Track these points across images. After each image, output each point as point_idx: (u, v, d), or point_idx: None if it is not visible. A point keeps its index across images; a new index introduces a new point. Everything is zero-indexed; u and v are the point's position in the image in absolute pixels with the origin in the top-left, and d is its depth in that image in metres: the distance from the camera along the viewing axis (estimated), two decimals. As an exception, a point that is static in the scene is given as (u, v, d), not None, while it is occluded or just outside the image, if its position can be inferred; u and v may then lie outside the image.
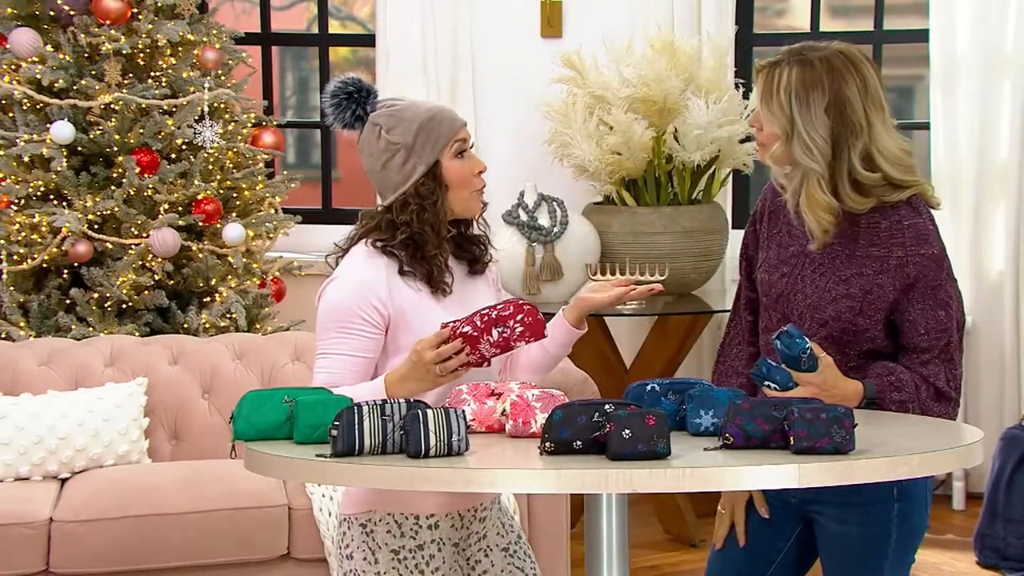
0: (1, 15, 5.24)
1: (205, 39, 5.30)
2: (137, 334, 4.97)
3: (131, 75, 5.20)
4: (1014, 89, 5.79)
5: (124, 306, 5.06)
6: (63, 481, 4.33)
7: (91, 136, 5.10)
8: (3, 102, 5.19)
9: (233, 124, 5.34)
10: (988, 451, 5.07)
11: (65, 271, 5.13)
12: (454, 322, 2.64)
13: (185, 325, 5.08)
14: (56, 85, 5.08)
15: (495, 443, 2.53)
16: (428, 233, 2.75)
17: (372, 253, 2.78)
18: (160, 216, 5.06)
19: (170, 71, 5.23)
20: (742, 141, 5.58)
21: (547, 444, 2.38)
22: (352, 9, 7.46)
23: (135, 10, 5.20)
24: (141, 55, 5.21)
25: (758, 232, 2.98)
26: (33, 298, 5.09)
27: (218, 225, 5.22)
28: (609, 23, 5.88)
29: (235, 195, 5.38)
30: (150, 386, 4.56)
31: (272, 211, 5.42)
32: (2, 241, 5.05)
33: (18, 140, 5.07)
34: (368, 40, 6.35)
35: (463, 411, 2.43)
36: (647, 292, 2.83)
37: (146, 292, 5.08)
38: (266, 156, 5.54)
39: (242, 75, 5.69)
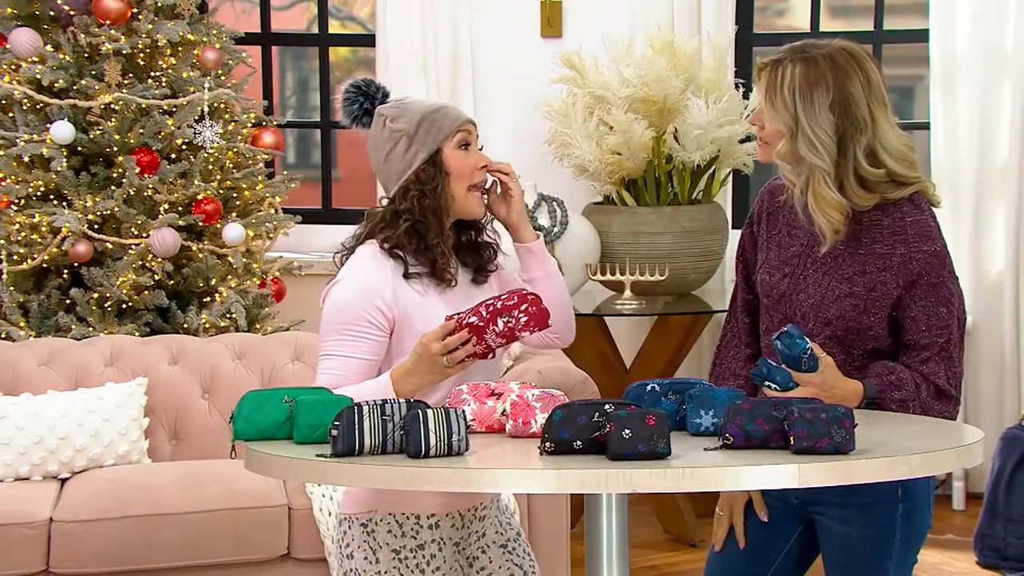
0: (1, 15, 5.24)
1: (205, 39, 5.30)
2: (137, 334, 4.97)
3: (131, 75, 5.20)
4: (1014, 89, 5.80)
5: (124, 306, 5.06)
6: (63, 481, 4.33)
7: (91, 136, 5.10)
8: (3, 102, 5.19)
9: (233, 124, 5.34)
10: (988, 451, 5.07)
11: (65, 271, 5.13)
12: (459, 314, 2.64)
13: (185, 325, 5.08)
14: (56, 85, 5.08)
15: (495, 443, 2.53)
16: (430, 220, 2.75)
17: (378, 255, 2.78)
18: (160, 216, 5.06)
19: (170, 71, 5.23)
20: (742, 141, 5.58)
21: (547, 444, 2.38)
22: (352, 9, 7.47)
23: (135, 10, 5.20)
24: (141, 55, 5.21)
25: (755, 234, 2.97)
26: (33, 298, 5.09)
27: (218, 225, 5.22)
28: (609, 23, 5.88)
29: (235, 195, 5.38)
30: (150, 386, 4.57)
31: (272, 211, 5.42)
32: (2, 241, 5.05)
33: (18, 140, 5.07)
34: (368, 40, 6.35)
35: (463, 411, 2.43)
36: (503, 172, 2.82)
37: (146, 292, 5.08)
38: (266, 156, 5.54)
39: (242, 75, 5.69)
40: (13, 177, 5.08)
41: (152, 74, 5.23)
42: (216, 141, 5.18)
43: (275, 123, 5.69)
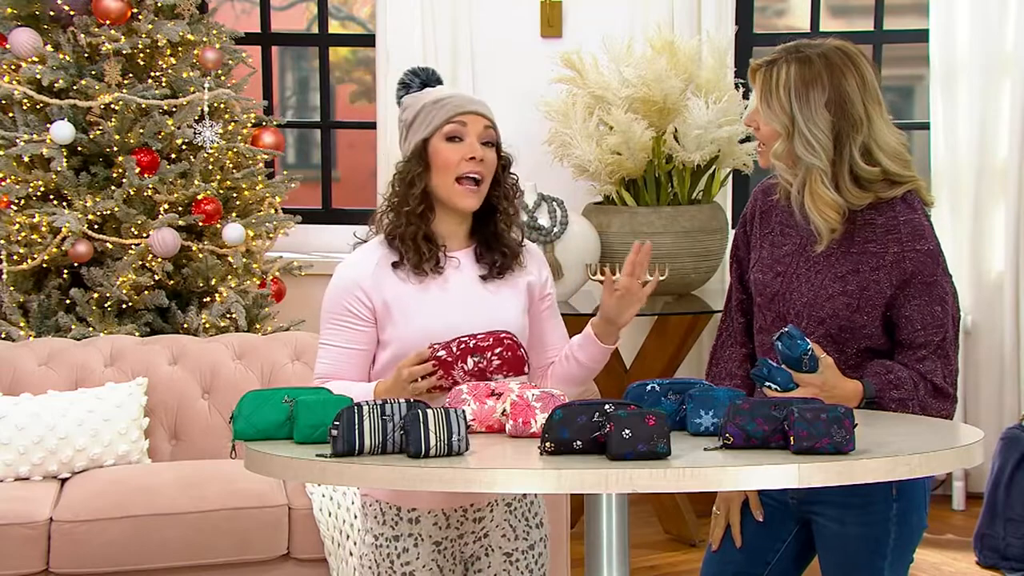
0: (1, 15, 5.24)
1: (205, 39, 5.30)
2: (137, 334, 4.97)
3: (131, 75, 5.20)
4: (1014, 89, 5.79)
5: (124, 306, 5.06)
6: (63, 481, 4.33)
7: (91, 136, 5.10)
8: (3, 102, 5.19)
9: (233, 124, 5.34)
10: (988, 451, 5.07)
11: (65, 271, 5.13)
12: (439, 344, 2.66)
13: (185, 325, 5.08)
14: (56, 85, 5.08)
15: (495, 443, 2.53)
16: (403, 206, 2.76)
17: (376, 246, 2.81)
18: (160, 216, 5.06)
19: (170, 71, 5.23)
20: (742, 141, 5.58)
21: (547, 444, 2.38)
22: (352, 9, 7.47)
23: (135, 10, 5.20)
24: (141, 55, 5.21)
25: (748, 234, 2.98)
26: (33, 298, 5.09)
27: (218, 225, 5.22)
28: (609, 23, 5.88)
29: (235, 195, 5.38)
30: (150, 386, 4.57)
31: (272, 211, 5.42)
32: (2, 241, 5.05)
33: (18, 140, 5.07)
34: (368, 40, 6.35)
35: (463, 411, 2.43)
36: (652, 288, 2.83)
37: (146, 292, 5.08)
38: (266, 156, 5.54)
39: (242, 75, 5.69)
40: (13, 177, 5.08)
41: (152, 74, 5.23)
42: (216, 141, 5.18)
43: (275, 123, 5.69)
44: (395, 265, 2.77)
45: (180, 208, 5.14)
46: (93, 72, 5.16)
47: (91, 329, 4.96)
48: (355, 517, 4.15)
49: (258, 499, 4.15)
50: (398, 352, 2.72)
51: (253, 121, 5.49)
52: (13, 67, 5.15)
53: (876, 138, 2.76)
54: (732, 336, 3.03)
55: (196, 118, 5.18)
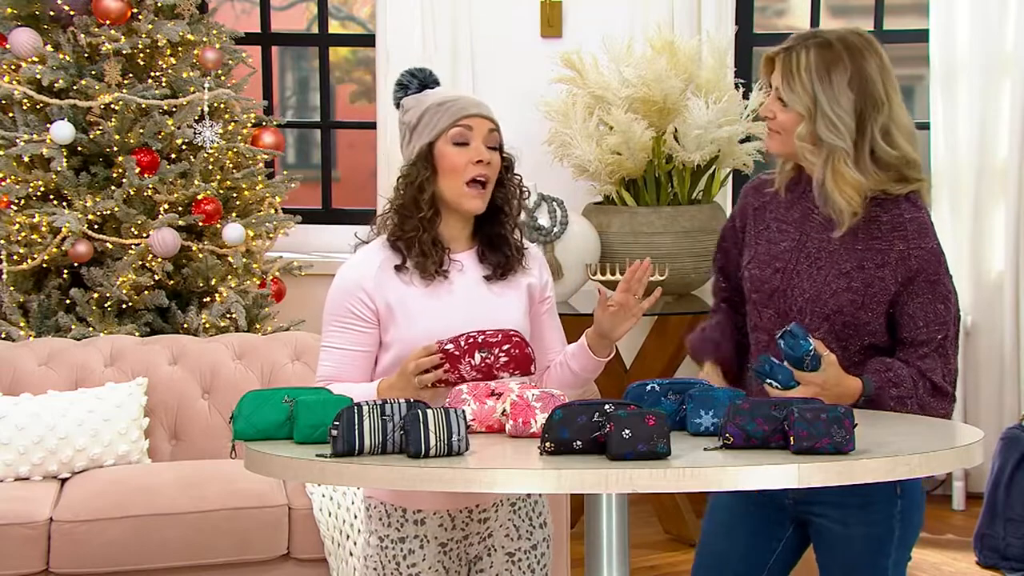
0: (1, 15, 5.24)
1: (205, 39, 5.30)
2: (137, 334, 4.97)
3: (131, 75, 5.20)
4: (1014, 89, 5.79)
5: (124, 306, 5.06)
6: (63, 481, 4.33)
7: (91, 136, 5.10)
8: (3, 102, 5.19)
9: (233, 124, 5.34)
10: (988, 451, 5.07)
11: (65, 271, 5.13)
12: (446, 339, 2.65)
13: (185, 325, 5.08)
14: (56, 85, 5.08)
15: (495, 443, 2.53)
16: (409, 210, 2.76)
17: (378, 248, 2.81)
18: (160, 216, 5.06)
19: (170, 71, 5.23)
20: (742, 141, 5.58)
21: (547, 444, 2.38)
22: (352, 9, 7.46)
23: (135, 10, 5.20)
24: (141, 55, 5.21)
25: (738, 229, 2.97)
26: (33, 298, 5.09)
27: (218, 225, 5.22)
28: (609, 23, 5.88)
29: (235, 195, 5.38)
30: (150, 386, 4.57)
31: (272, 211, 5.42)
32: (2, 241, 5.05)
33: (18, 140, 5.07)
34: (368, 40, 6.35)
35: (463, 411, 2.43)
36: (652, 301, 2.83)
37: (146, 292, 5.08)
38: (266, 156, 5.54)
39: (242, 75, 5.69)
40: (13, 177, 5.08)
41: (152, 74, 5.23)
42: (216, 141, 5.18)
43: (275, 123, 5.69)
44: (398, 267, 2.77)
45: (180, 208, 5.14)
46: (93, 72, 5.16)
47: (91, 329, 4.96)
48: (355, 517, 4.15)
49: (258, 499, 4.15)
50: (401, 354, 2.72)
51: (253, 121, 5.49)
52: (13, 67, 5.15)
53: (895, 120, 2.78)
54: (715, 314, 3.05)
55: (196, 118, 5.18)
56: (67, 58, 5.13)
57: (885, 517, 2.81)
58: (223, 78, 5.39)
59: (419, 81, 2.87)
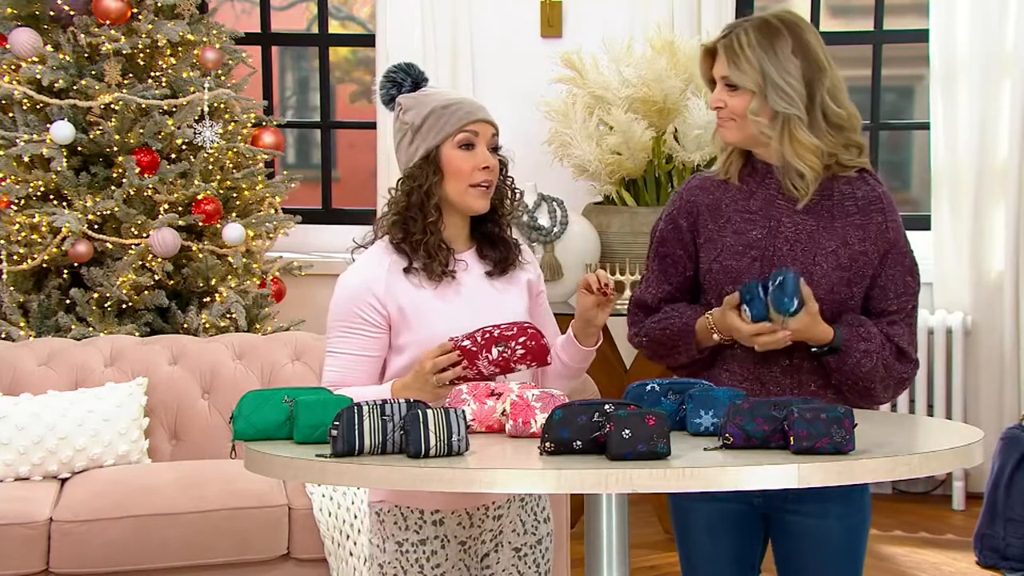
0: (1, 15, 5.24)
1: (205, 39, 5.30)
2: (137, 334, 4.97)
3: (131, 75, 5.20)
4: (1014, 89, 5.80)
5: (124, 306, 5.06)
6: (63, 481, 4.33)
7: (91, 136, 5.10)
8: (3, 102, 5.19)
9: (233, 124, 5.34)
10: (988, 451, 5.07)
11: (65, 271, 5.13)
12: (461, 336, 2.65)
13: (185, 325, 5.08)
14: (56, 85, 5.08)
15: (495, 443, 2.53)
16: (415, 214, 2.76)
17: (383, 251, 2.80)
18: (160, 216, 5.06)
19: (170, 71, 5.23)
20: (742, 141, 5.57)
21: (547, 444, 2.38)
22: (352, 9, 7.46)
23: (135, 10, 5.20)
24: (141, 55, 5.21)
25: (686, 230, 2.92)
26: (33, 298, 5.09)
27: (218, 225, 5.22)
28: (609, 23, 5.88)
29: (235, 195, 5.38)
30: (150, 386, 4.57)
31: (272, 211, 5.42)
32: (2, 241, 5.05)
33: (18, 140, 5.07)
34: (368, 40, 6.35)
35: (463, 411, 2.43)
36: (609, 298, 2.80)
37: (146, 292, 5.08)
38: (266, 156, 5.55)
39: (242, 75, 5.69)
40: (13, 177, 5.08)
41: (152, 74, 5.23)
42: (216, 141, 5.18)
43: (275, 123, 5.69)
44: (406, 270, 2.77)
45: (180, 208, 5.14)
46: (93, 72, 5.16)
47: (91, 329, 4.97)
48: (355, 517, 4.15)
49: (258, 499, 4.15)
50: (417, 356, 2.71)
51: (253, 121, 5.49)
52: (13, 67, 5.16)
53: (836, 82, 2.84)
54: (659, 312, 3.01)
55: (196, 118, 5.18)
56: (67, 58, 5.13)
57: (859, 506, 2.86)
58: (223, 78, 5.39)
59: (412, 79, 2.87)
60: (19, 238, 5.04)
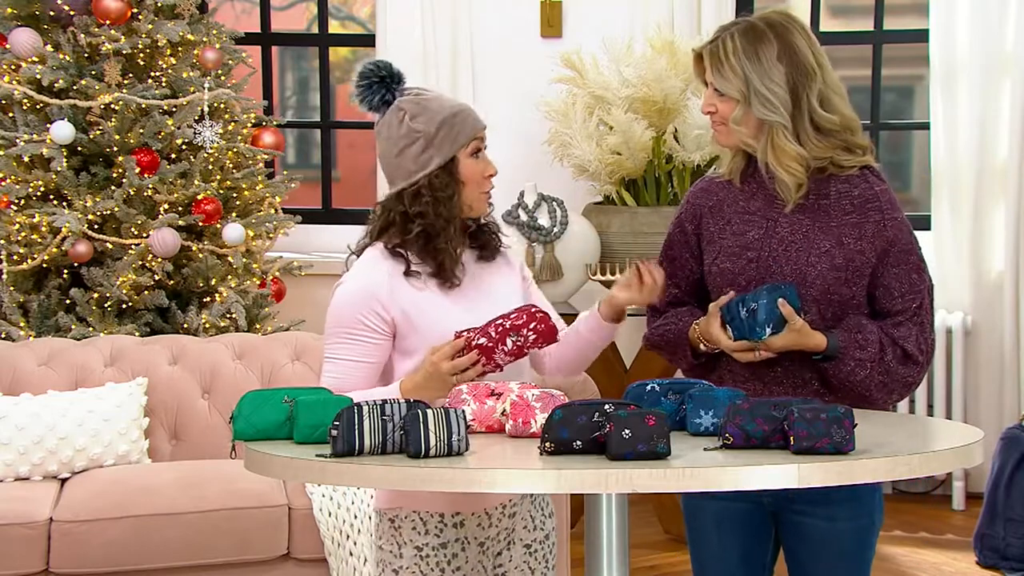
0: (1, 15, 5.24)
1: (205, 39, 5.30)
2: (137, 334, 4.97)
3: (131, 75, 5.20)
4: (1014, 89, 5.80)
5: (124, 306, 5.06)
6: (63, 481, 4.33)
7: (91, 136, 5.10)
8: (3, 102, 5.19)
9: (233, 124, 5.34)
10: (988, 451, 5.07)
11: (65, 271, 5.13)
12: (468, 331, 2.65)
13: (185, 325, 5.08)
14: (56, 85, 5.08)
15: (495, 443, 2.53)
16: (443, 225, 2.76)
17: (379, 257, 2.78)
18: (160, 216, 5.06)
19: (170, 71, 5.23)
20: (742, 141, 5.58)
21: (547, 444, 2.38)
22: (352, 9, 7.46)
23: (135, 10, 5.20)
24: (141, 55, 5.21)
25: (690, 233, 2.94)
26: (33, 298, 5.09)
27: (218, 225, 5.22)
28: (609, 23, 5.88)
29: (235, 195, 5.38)
30: (150, 386, 4.57)
31: (272, 211, 5.42)
32: (2, 241, 5.05)
33: (18, 140, 5.07)
34: (368, 40, 6.35)
35: (463, 411, 2.43)
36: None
37: (146, 292, 5.08)
38: (266, 156, 5.55)
39: (242, 75, 5.69)
40: (13, 177, 5.08)
41: (152, 74, 5.23)
42: (216, 141, 5.18)
43: (275, 123, 5.69)
44: (407, 273, 2.77)
45: (180, 208, 5.14)
46: (93, 72, 5.16)
47: (91, 329, 4.97)
48: (355, 517, 4.15)
49: (258, 499, 4.15)
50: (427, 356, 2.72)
51: (253, 121, 5.49)
52: (13, 67, 5.16)
53: (830, 85, 2.80)
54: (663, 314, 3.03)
55: (196, 118, 5.18)
56: (67, 58, 5.13)
57: (869, 509, 2.85)
58: (223, 78, 5.39)
59: (394, 77, 2.84)
60: (19, 238, 5.04)
